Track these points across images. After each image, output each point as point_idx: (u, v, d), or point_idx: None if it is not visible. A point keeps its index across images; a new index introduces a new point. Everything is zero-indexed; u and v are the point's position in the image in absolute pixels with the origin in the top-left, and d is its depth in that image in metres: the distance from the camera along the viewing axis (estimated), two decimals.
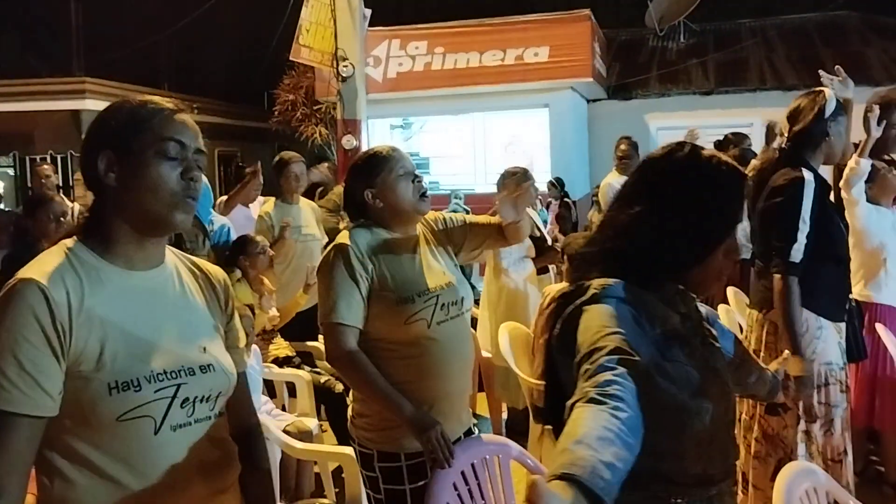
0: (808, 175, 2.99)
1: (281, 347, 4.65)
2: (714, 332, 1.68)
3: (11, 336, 1.30)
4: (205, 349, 1.51)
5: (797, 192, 2.96)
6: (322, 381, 4.41)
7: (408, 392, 2.38)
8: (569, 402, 1.28)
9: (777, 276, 2.97)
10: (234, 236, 5.31)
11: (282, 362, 4.51)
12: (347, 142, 9.66)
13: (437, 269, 2.54)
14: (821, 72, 3.62)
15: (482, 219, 2.75)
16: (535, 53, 10.35)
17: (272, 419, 3.85)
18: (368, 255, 2.42)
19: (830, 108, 3.09)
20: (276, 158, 5.35)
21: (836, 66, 3.62)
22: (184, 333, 1.49)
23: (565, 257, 4.53)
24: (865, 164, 3.70)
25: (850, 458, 3.06)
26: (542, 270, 5.10)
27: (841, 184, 3.83)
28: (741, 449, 3.22)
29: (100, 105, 1.56)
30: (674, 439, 1.46)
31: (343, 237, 2.47)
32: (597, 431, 1.17)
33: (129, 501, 1.38)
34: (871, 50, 11.95)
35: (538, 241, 5.02)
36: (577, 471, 1.08)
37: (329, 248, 2.49)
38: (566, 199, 9.39)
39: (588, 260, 1.59)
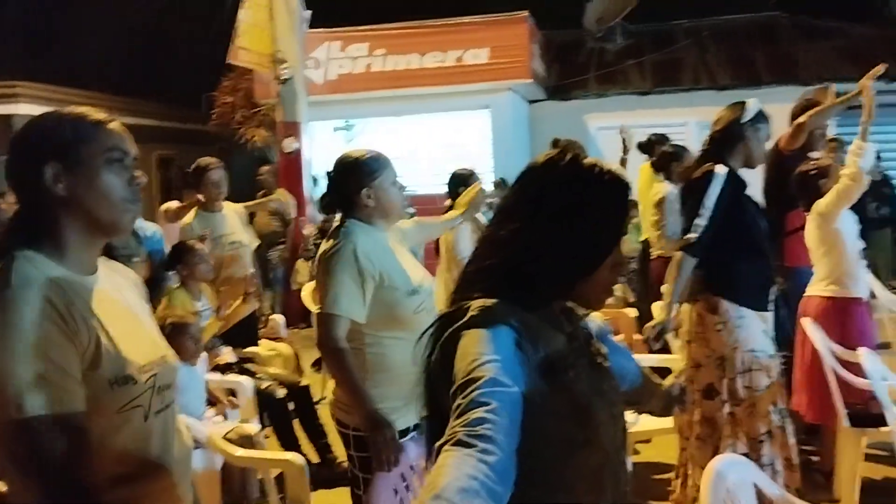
0: (719, 169, 3.22)
1: (223, 355, 4.62)
2: (604, 350, 1.60)
3: (41, 342, 1.36)
4: (155, 341, 1.64)
5: (705, 183, 3.21)
6: (264, 386, 4.38)
7: (406, 377, 2.52)
8: (437, 444, 1.18)
9: (678, 253, 3.25)
10: (165, 243, 5.24)
11: (223, 369, 4.48)
12: (288, 144, 9.61)
13: (413, 263, 2.77)
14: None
15: (427, 221, 3.18)
16: (475, 55, 10.42)
17: (213, 426, 3.82)
18: (371, 251, 2.59)
19: (749, 113, 3.31)
20: (194, 165, 5.14)
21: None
22: (141, 328, 1.62)
23: None
24: (868, 146, 3.86)
25: (777, 439, 3.19)
26: None
27: (855, 167, 3.87)
28: (692, 428, 3.37)
29: (34, 109, 1.59)
30: (562, 471, 1.39)
31: (346, 233, 2.62)
32: (460, 482, 1.08)
33: (125, 488, 1.47)
34: (799, 51, 12.30)
35: None
36: None
37: (334, 240, 2.63)
38: None
39: (469, 279, 1.49)
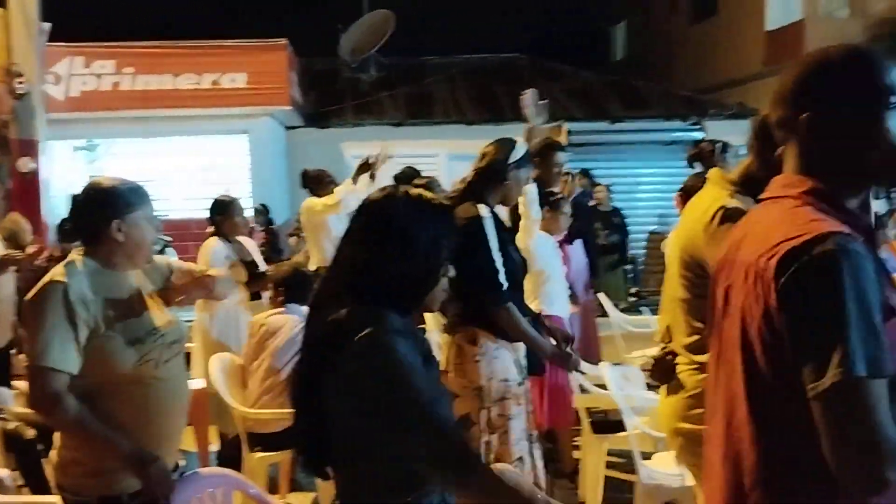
0: (483, 211, 3.27)
1: None
2: None
3: None
4: None
5: (480, 229, 3.23)
6: (10, 427, 4.05)
7: (136, 432, 2.34)
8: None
9: (498, 311, 3.21)
10: None
11: None
12: (24, 164, 8.91)
13: (156, 307, 2.52)
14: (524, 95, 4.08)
15: (186, 268, 2.82)
16: (233, 79, 10.27)
17: None
18: (90, 294, 2.33)
19: (516, 154, 3.37)
20: None
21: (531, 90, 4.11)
22: None
23: (272, 284, 4.60)
24: (530, 188, 4.19)
25: (527, 464, 3.41)
26: (255, 296, 5.11)
27: (524, 207, 4.23)
28: None
29: None
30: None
31: (60, 273, 2.33)
32: None
33: None
34: (537, 90, 13.36)
35: (250, 267, 5.02)
36: None
37: (42, 283, 2.34)
38: (272, 227, 9.42)
39: (333, 297, 1.69)
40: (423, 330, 1.88)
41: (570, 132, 4.99)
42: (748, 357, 1.39)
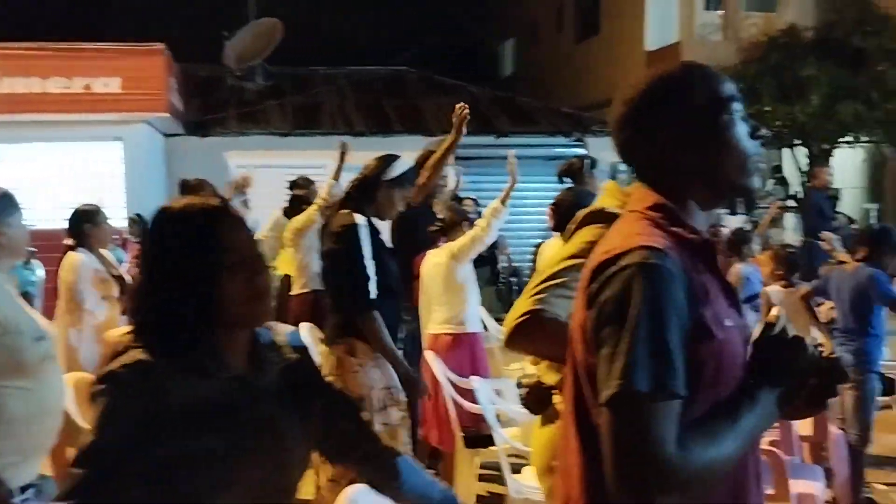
0: (359, 219, 3.33)
1: None
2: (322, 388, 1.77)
3: None
4: None
5: (354, 237, 3.28)
6: None
7: (26, 430, 2.39)
8: None
9: (363, 318, 3.26)
10: None
11: None
12: None
13: (32, 309, 2.67)
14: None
15: None
16: (106, 84, 9.82)
17: None
18: None
19: (393, 172, 3.44)
20: None
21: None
22: None
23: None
24: (506, 210, 4.25)
25: None
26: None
27: (488, 224, 4.32)
28: (320, 474, 3.42)
29: None
30: None
31: None
32: None
33: None
34: (426, 103, 13.42)
35: (120, 280, 4.81)
36: None
37: None
38: None
39: (134, 329, 1.55)
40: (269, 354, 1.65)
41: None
42: (573, 368, 1.38)
